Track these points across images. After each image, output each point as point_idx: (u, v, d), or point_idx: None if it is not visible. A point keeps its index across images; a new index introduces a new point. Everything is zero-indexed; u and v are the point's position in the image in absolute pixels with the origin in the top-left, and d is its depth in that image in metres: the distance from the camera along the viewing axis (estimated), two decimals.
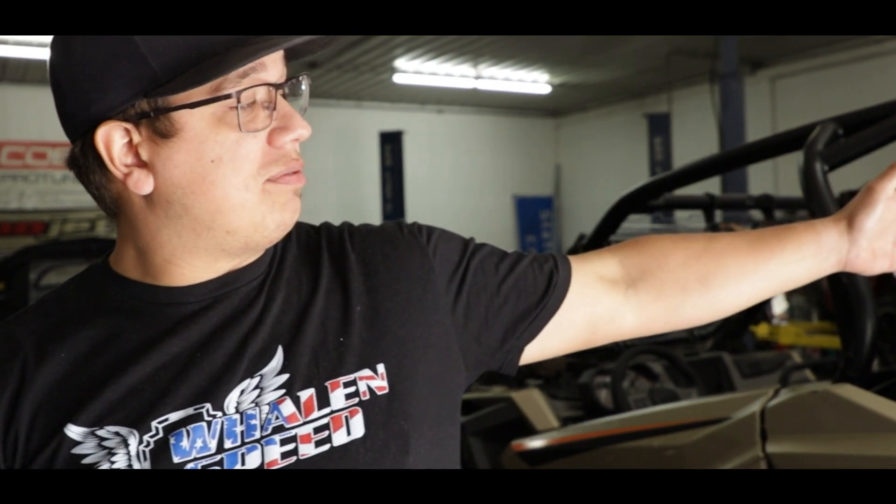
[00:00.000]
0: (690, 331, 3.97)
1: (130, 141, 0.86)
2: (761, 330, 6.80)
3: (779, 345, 7.07)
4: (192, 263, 0.91)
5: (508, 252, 1.07)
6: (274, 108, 0.87)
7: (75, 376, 0.88)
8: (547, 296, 1.03)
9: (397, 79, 11.67)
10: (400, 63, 11.10)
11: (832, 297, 1.87)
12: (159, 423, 0.86)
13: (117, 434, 0.85)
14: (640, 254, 1.08)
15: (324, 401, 0.89)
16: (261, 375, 0.89)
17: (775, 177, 9.85)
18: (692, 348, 3.48)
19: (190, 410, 0.86)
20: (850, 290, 1.78)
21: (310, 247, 1.01)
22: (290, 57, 0.93)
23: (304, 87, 0.93)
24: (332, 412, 0.88)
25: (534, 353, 1.05)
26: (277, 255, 0.99)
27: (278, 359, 0.90)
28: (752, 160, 2.32)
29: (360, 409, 0.89)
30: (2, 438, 0.86)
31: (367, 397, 0.90)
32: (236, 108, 0.85)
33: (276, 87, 0.88)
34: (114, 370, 0.88)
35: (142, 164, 0.87)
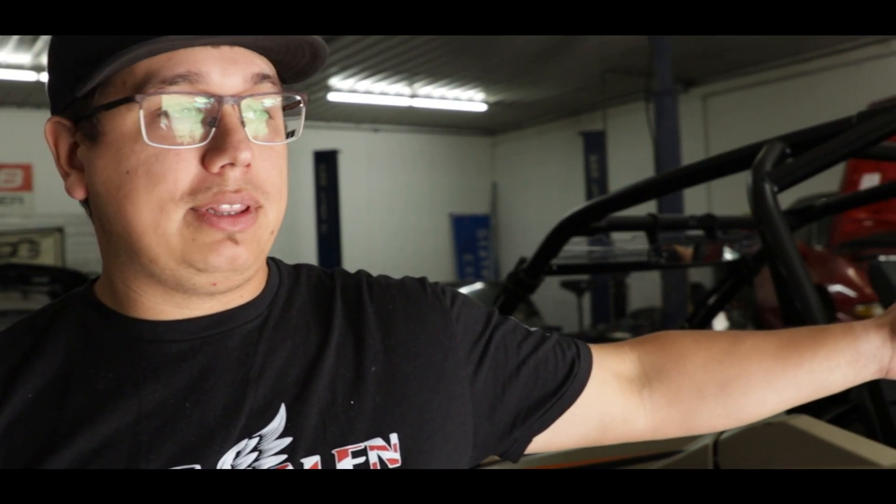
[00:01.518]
0: None
1: (75, 142, 0.79)
2: None
3: None
4: (147, 293, 0.79)
5: (532, 330, 0.99)
6: (216, 125, 0.75)
7: (42, 418, 0.76)
8: (566, 385, 0.95)
9: (332, 97, 11.55)
10: (334, 81, 10.99)
11: (785, 324, 1.80)
12: None
13: None
14: (658, 351, 1.00)
15: None
16: (260, 436, 0.78)
17: (709, 197, 9.96)
18: None
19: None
20: (806, 316, 1.71)
21: (321, 293, 0.90)
22: (287, 79, 0.83)
23: (267, 102, 0.79)
24: None
25: (539, 444, 0.96)
26: (282, 296, 0.87)
27: (280, 418, 0.79)
28: (697, 180, 2.25)
29: None
30: None
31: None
32: (138, 115, 0.73)
33: (214, 99, 0.75)
34: (88, 414, 0.75)
35: (79, 168, 0.79)
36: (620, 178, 10.95)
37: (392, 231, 13.60)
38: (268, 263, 0.89)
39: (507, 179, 15.18)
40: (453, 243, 14.82)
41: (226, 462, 0.76)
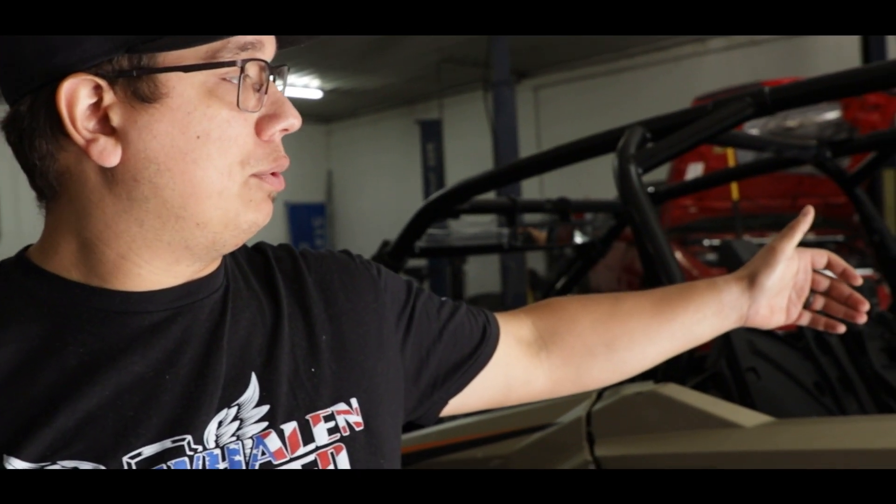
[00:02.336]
0: None
1: (99, 102, 0.71)
2: None
3: None
4: (150, 262, 0.75)
5: (443, 299, 1.05)
6: (265, 93, 0.76)
7: (12, 397, 0.70)
8: (479, 349, 1.02)
9: None
10: None
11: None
12: (131, 458, 0.71)
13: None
14: (551, 316, 1.10)
15: (308, 436, 0.80)
16: (238, 405, 0.78)
17: (541, 182, 10.31)
18: None
19: (168, 443, 0.72)
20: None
21: (256, 264, 0.90)
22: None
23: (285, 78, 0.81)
24: (318, 448, 0.80)
25: (453, 407, 1.03)
26: (230, 267, 0.86)
27: (254, 387, 0.79)
28: (560, 164, 2.33)
29: (343, 446, 0.82)
30: None
31: (348, 433, 0.83)
32: (237, 79, 0.72)
33: (271, 68, 0.77)
34: (62, 391, 0.71)
35: (109, 131, 0.72)
36: (457, 166, 11.16)
37: None
38: None
39: (342, 167, 15.11)
40: (289, 232, 14.60)
41: (210, 431, 0.75)
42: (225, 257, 0.85)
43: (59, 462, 0.69)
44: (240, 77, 0.73)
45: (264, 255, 0.92)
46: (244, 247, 0.92)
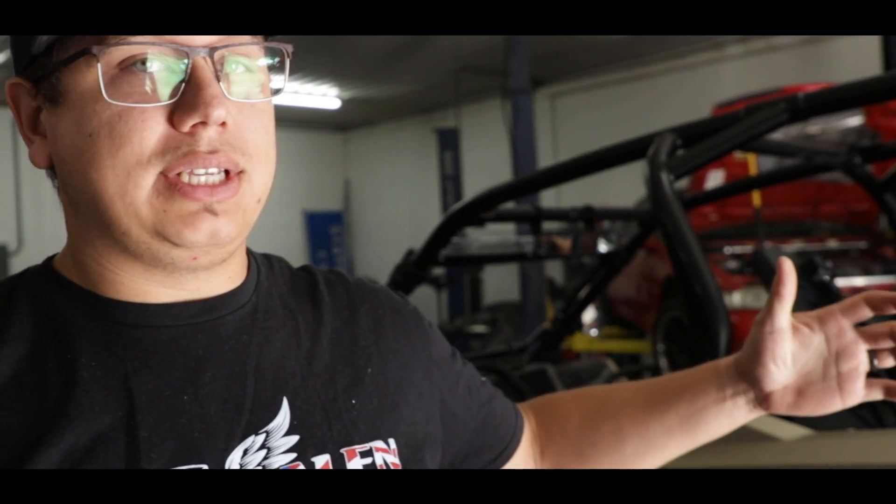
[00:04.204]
0: (509, 342, 3.99)
1: (38, 106, 0.72)
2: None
3: (570, 351, 7.35)
4: (129, 273, 0.71)
5: (484, 379, 1.00)
6: (187, 80, 0.67)
7: (20, 410, 0.66)
8: (510, 444, 0.97)
9: None
10: None
11: (686, 308, 1.87)
12: None
13: None
14: (547, 416, 1.03)
15: None
16: (266, 432, 0.72)
17: (558, 191, 10.28)
18: (514, 361, 3.47)
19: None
20: (706, 301, 1.78)
21: (300, 286, 0.84)
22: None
23: (248, 56, 0.71)
24: None
25: None
26: (263, 283, 0.81)
27: (284, 414, 0.74)
28: (588, 171, 2.31)
29: None
30: None
31: None
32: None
33: (184, 50, 0.67)
34: (71, 408, 0.66)
35: (43, 135, 0.72)
36: (475, 174, 11.13)
37: None
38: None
39: (360, 176, 15.11)
40: (307, 240, 14.62)
41: (234, 461, 0.70)
42: (257, 274, 0.81)
43: None
44: (97, 66, 0.66)
45: (311, 277, 0.87)
46: (287, 265, 0.88)
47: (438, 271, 9.31)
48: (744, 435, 1.68)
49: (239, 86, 0.70)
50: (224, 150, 0.68)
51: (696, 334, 1.83)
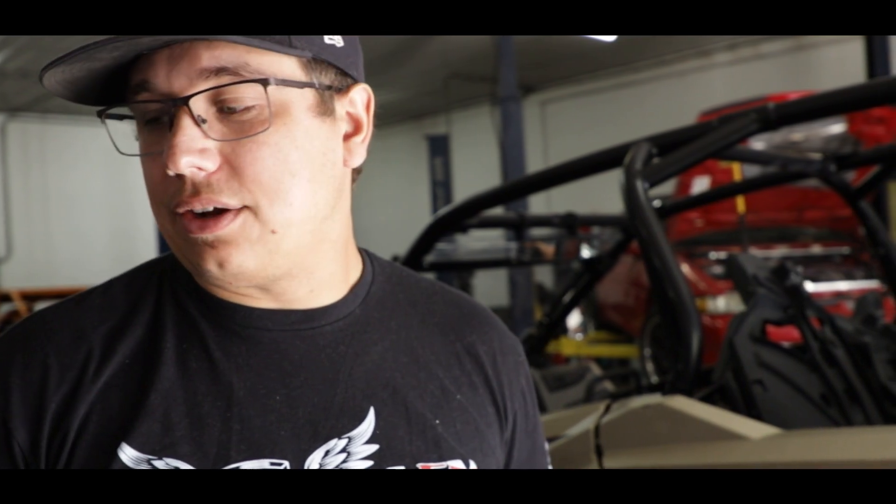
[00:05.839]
0: None
1: None
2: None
3: (559, 355, 7.40)
4: None
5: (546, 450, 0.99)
6: (169, 128, 0.71)
7: (136, 384, 0.75)
8: None
9: None
10: None
11: (661, 312, 1.93)
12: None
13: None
14: None
15: None
16: (349, 438, 0.77)
17: (548, 197, 10.35)
18: None
19: (265, 464, 0.73)
20: (678, 306, 1.84)
21: (416, 299, 0.88)
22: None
23: (234, 94, 0.72)
24: None
25: None
26: (375, 295, 0.85)
27: (369, 422, 0.78)
28: (567, 179, 2.37)
29: None
30: (46, 440, 0.72)
31: None
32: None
33: (159, 102, 0.72)
34: (179, 392, 0.74)
35: None
36: (465, 180, 11.20)
37: None
38: (362, 257, 0.88)
39: None
40: None
41: (314, 461, 0.75)
42: (369, 285, 0.85)
43: (164, 458, 0.72)
44: (106, 123, 0.76)
45: (432, 294, 0.90)
46: (411, 277, 0.91)
47: (428, 276, 9.35)
48: (713, 434, 1.74)
49: (231, 124, 0.72)
50: (206, 193, 0.71)
51: (671, 340, 1.89)
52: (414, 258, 2.77)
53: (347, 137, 0.81)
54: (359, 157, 0.82)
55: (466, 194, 2.61)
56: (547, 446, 0.98)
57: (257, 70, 0.71)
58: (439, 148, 11.54)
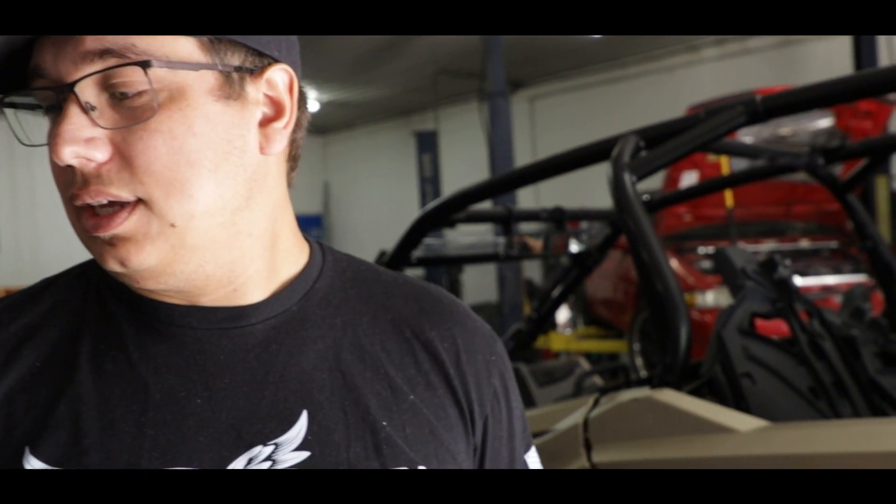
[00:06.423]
0: None
1: None
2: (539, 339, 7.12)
3: (549, 351, 7.41)
4: None
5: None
6: (55, 119, 0.68)
7: (47, 389, 0.69)
8: None
9: None
10: None
11: (649, 306, 1.92)
12: None
13: None
14: None
15: None
16: (276, 444, 0.70)
17: (536, 191, 10.35)
18: None
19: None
20: (666, 299, 1.83)
21: (371, 294, 0.81)
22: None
23: (121, 78, 0.65)
24: None
25: None
26: (319, 290, 0.78)
27: (300, 427, 0.71)
28: (555, 173, 2.36)
29: None
30: None
31: None
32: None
33: (41, 89, 0.67)
34: (92, 397, 0.69)
35: None
36: (454, 176, 11.18)
37: None
38: (312, 251, 0.81)
39: (339, 179, 15.14)
40: None
41: (234, 467, 0.69)
42: (314, 280, 0.79)
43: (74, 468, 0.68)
44: (7, 112, 0.72)
45: (393, 288, 0.83)
46: (369, 269, 0.84)
47: (417, 272, 9.34)
48: (701, 427, 1.73)
49: (122, 110, 0.67)
50: (95, 185, 0.66)
51: (659, 333, 1.88)
52: (401, 253, 2.75)
53: (266, 122, 0.73)
54: (278, 144, 0.73)
55: (455, 190, 2.59)
56: (534, 452, 0.89)
57: (144, 52, 0.65)
58: (428, 144, 11.52)
